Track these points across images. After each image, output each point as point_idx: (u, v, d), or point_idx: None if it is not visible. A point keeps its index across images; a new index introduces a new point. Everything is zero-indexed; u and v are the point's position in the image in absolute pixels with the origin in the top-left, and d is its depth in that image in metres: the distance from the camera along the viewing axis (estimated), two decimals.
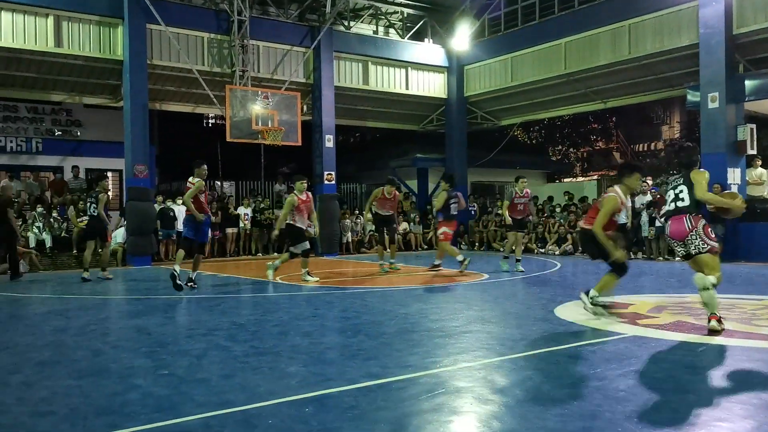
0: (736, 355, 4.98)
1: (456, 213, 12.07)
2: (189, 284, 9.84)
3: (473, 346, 5.46)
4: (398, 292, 9.63)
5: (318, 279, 11.10)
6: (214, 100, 16.21)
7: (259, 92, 16.30)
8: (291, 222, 10.89)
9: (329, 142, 18.24)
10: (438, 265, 12.17)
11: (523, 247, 13.07)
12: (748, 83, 14.12)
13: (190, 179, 10.03)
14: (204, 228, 9.88)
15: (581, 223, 7.33)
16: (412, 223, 19.86)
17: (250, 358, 5.10)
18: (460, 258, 11.54)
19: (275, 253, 18.06)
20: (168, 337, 6.17)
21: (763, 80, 13.97)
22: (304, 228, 11.08)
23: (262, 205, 18.64)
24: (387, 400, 3.89)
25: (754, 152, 14.39)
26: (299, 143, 17.01)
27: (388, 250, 13.00)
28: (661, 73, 16.41)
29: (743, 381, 4.27)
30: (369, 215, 12.81)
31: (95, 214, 11.72)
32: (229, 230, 17.69)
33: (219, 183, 22.42)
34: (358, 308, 7.88)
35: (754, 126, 14.24)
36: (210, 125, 31.75)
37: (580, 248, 16.30)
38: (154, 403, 3.86)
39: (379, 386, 4.18)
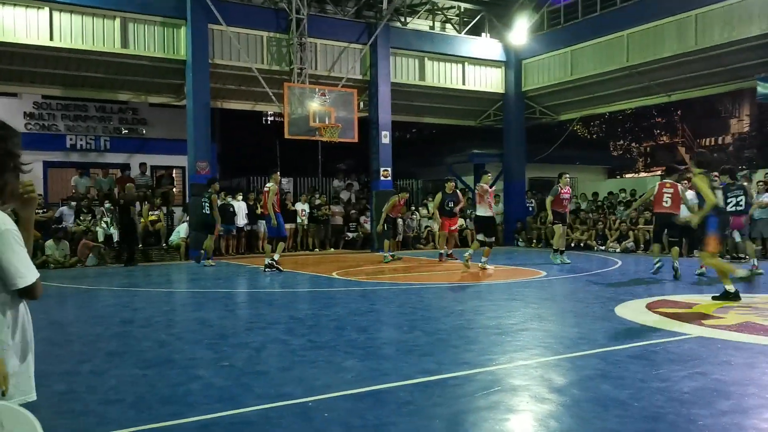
0: None
1: (454, 210, 13.96)
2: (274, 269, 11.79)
3: (530, 344, 5.39)
4: (454, 289, 9.60)
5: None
6: (273, 97, 16.49)
7: (317, 89, 16.47)
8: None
9: (386, 138, 18.28)
10: (450, 254, 14.20)
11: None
12: None
13: (267, 185, 11.88)
14: (281, 225, 11.96)
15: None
16: (468, 219, 19.71)
17: (308, 352, 5.19)
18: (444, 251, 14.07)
19: (331, 249, 18.29)
20: (228, 330, 6.34)
21: None
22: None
23: (319, 201, 18.86)
24: (442, 397, 3.89)
25: None
26: (356, 140, 17.12)
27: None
28: (730, 65, 15.71)
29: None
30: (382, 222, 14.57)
31: (208, 212, 13.54)
32: (287, 226, 17.97)
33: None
34: (414, 304, 7.89)
35: None
36: (269, 122, 32.33)
37: (643, 244, 15.84)
38: (215, 394, 3.98)
39: (434, 382, 4.19)
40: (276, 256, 12.04)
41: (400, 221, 18.03)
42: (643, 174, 31.77)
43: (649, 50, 16.58)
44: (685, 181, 10.92)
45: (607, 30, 17.55)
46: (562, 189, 12.77)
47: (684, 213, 10.33)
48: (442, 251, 14.21)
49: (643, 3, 16.76)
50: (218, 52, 16.20)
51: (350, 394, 3.92)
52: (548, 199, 12.94)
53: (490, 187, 12.38)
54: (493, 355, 5.01)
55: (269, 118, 32.77)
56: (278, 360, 4.95)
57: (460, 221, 19.10)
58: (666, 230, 10.59)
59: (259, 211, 15.51)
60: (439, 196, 14.10)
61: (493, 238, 12.15)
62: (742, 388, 3.96)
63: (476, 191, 12.35)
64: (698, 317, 6.49)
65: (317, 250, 18.14)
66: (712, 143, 33.52)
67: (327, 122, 16.25)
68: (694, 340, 5.42)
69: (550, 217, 12.91)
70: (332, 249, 18.52)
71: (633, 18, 16.85)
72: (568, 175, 13.21)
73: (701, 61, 15.97)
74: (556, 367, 4.61)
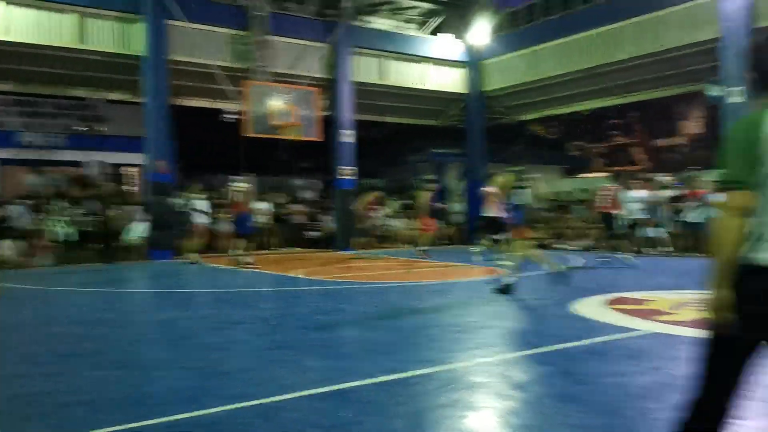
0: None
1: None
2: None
3: (491, 342, 5.47)
4: (417, 287, 9.66)
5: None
6: (233, 95, 16.32)
7: (278, 87, 16.37)
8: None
9: (348, 137, 18.28)
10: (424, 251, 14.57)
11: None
12: None
13: (237, 185, 13.10)
14: (247, 223, 12.95)
15: None
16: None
17: (272, 352, 5.17)
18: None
19: (294, 248, 18.19)
20: (191, 330, 6.26)
21: None
22: None
23: (281, 200, 18.75)
24: (405, 395, 3.92)
25: None
26: (318, 138, 17.07)
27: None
28: (684, 68, 16.20)
29: (766, 378, 4.23)
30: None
31: (188, 212, 14.01)
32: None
33: (237, 178, 22.52)
34: (377, 303, 7.93)
35: None
36: (229, 121, 31.89)
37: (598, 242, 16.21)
38: (178, 395, 3.94)
39: (397, 381, 4.22)
40: (239, 253, 12.81)
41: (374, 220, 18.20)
42: (599, 174, 32.42)
43: (608, 52, 16.97)
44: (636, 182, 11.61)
45: (567, 32, 17.89)
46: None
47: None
48: (426, 248, 14.84)
49: (601, 6, 17.15)
50: (177, 49, 15.93)
51: (315, 393, 3.92)
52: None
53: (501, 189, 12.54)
54: (454, 353, 5.07)
55: (230, 116, 32.36)
56: (242, 360, 4.91)
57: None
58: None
59: (225, 212, 15.42)
60: (426, 195, 14.83)
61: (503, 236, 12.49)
62: (692, 383, 4.09)
63: (485, 192, 12.56)
64: (654, 313, 6.68)
65: (279, 249, 18.02)
66: (667, 144, 34.44)
67: (288, 121, 16.17)
68: (650, 335, 5.58)
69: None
70: (295, 248, 18.42)
71: (592, 20, 17.22)
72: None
73: (657, 64, 16.42)
74: (517, 363, 4.69)
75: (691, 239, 14.51)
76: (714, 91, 14.93)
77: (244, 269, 12.35)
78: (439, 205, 14.83)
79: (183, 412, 3.57)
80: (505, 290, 8.09)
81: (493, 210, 12.12)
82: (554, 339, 5.48)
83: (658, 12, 15.73)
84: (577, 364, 4.63)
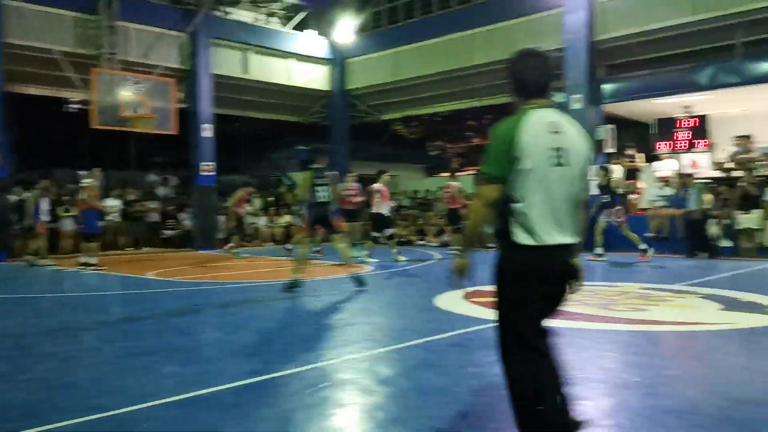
0: (597, 338, 5.38)
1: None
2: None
3: (357, 338, 5.50)
4: (280, 286, 9.49)
5: None
6: (80, 84, 15.11)
7: (130, 77, 15.40)
8: None
9: (207, 131, 17.60)
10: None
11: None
12: (607, 87, 15.29)
13: (86, 180, 11.96)
14: (94, 221, 11.92)
15: None
16: (295, 216, 19.64)
17: (123, 359, 4.82)
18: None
19: (146, 248, 17.22)
20: (29, 339, 5.68)
21: (620, 84, 15.18)
22: None
23: (132, 197, 17.65)
24: (271, 397, 3.83)
25: (614, 150, 15.61)
26: (174, 132, 16.26)
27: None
28: None
29: (603, 362, 4.62)
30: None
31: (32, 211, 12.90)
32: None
33: (84, 173, 20.94)
34: (238, 303, 7.69)
35: (614, 126, 15.45)
36: (74, 111, 29.56)
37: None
38: (15, 411, 3.54)
39: (262, 382, 4.11)
40: (85, 254, 11.93)
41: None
42: (457, 173, 33.87)
43: (462, 57, 17.75)
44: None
45: (427, 36, 18.49)
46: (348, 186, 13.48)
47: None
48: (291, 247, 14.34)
49: (457, 13, 17.92)
50: (14, 31, 14.44)
51: (172, 401, 3.70)
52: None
53: (385, 186, 12.87)
54: (320, 351, 5.03)
55: (75, 107, 29.99)
56: (89, 370, 4.53)
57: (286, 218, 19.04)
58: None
59: (70, 208, 14.30)
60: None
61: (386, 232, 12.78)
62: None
63: (373, 190, 12.81)
64: None
65: (131, 249, 16.96)
66: None
67: (141, 112, 15.26)
68: None
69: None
70: (147, 248, 17.41)
71: (449, 26, 17.94)
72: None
73: (506, 70, 17.40)
74: (382, 359, 4.75)
75: None
76: (557, 97, 16.14)
77: (90, 271, 11.46)
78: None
79: (23, 429, 3.22)
80: (359, 282, 8.24)
81: (380, 207, 12.51)
82: (418, 333, 5.61)
83: (507, 21, 16.70)
84: (440, 356, 4.78)
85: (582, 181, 2.70)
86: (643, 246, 11.94)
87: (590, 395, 3.76)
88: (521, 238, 2.58)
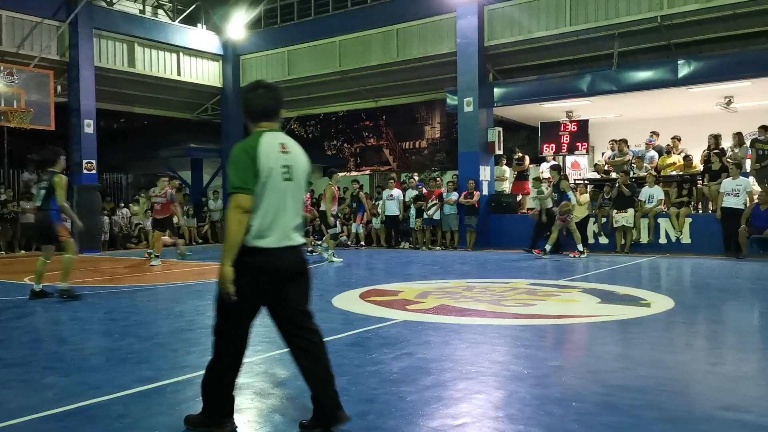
0: (489, 332, 5.58)
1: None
2: None
3: (253, 341, 5.33)
4: (172, 289, 9.14)
5: None
6: None
7: (3, 68, 14.26)
8: None
9: (89, 127, 16.61)
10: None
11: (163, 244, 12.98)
12: (497, 90, 15.93)
13: None
14: None
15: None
16: (186, 216, 18.96)
17: None
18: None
19: (21, 251, 16.02)
20: None
21: (509, 88, 15.86)
22: None
23: (5, 197, 16.34)
24: (162, 405, 3.67)
25: (501, 152, 16.29)
26: (52, 127, 15.22)
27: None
28: (426, 77, 17.74)
29: (495, 356, 4.80)
30: None
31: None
32: None
33: None
34: (126, 308, 7.31)
35: (501, 129, 16.12)
36: None
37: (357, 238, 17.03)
38: None
39: (153, 390, 3.93)
40: None
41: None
42: (354, 173, 34.08)
43: (358, 58, 17.87)
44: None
45: (322, 35, 18.44)
46: (155, 192, 12.64)
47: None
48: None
49: (352, 13, 17.99)
50: None
51: (52, 414, 3.46)
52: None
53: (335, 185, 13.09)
54: None
55: None
56: None
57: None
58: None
59: None
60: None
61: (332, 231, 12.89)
62: (440, 364, 4.48)
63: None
64: (403, 303, 7.19)
65: (3, 252, 15.71)
66: (411, 146, 37.48)
67: (15, 106, 14.17)
68: (400, 324, 5.98)
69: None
70: (22, 251, 16.18)
71: (344, 26, 17.99)
72: (165, 179, 13.04)
73: (402, 72, 17.74)
74: (279, 361, 4.67)
75: (431, 234, 15.96)
76: (451, 99, 16.64)
77: None
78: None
79: None
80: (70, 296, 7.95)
81: (327, 205, 12.51)
82: None
83: (402, 24, 17.00)
84: (338, 356, 4.77)
85: (304, 193, 3.25)
86: (580, 247, 12.75)
87: (483, 389, 3.89)
88: (257, 242, 2.99)
